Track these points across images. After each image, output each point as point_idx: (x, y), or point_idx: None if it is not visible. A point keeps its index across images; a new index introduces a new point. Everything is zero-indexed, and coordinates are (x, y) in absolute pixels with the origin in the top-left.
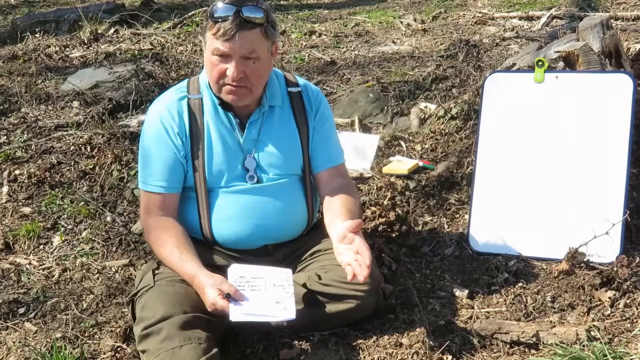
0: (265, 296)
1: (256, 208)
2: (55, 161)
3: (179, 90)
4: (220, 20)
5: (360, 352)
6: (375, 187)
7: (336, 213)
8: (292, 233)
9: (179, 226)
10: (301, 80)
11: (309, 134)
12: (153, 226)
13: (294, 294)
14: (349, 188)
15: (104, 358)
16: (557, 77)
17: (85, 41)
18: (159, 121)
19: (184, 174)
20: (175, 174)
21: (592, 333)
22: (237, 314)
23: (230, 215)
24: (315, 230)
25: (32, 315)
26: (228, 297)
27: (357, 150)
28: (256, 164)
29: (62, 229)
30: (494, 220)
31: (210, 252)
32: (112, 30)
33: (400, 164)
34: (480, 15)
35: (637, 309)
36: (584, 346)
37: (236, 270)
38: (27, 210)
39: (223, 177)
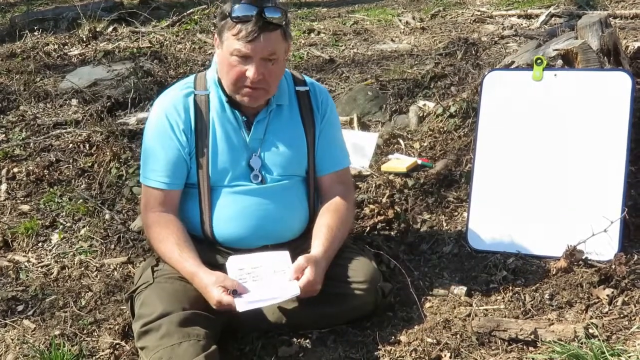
0: (268, 284)
1: (257, 209)
2: (54, 159)
3: (185, 86)
4: (241, 21)
5: (359, 349)
6: (374, 185)
7: (318, 231)
8: (292, 234)
9: (179, 223)
10: (308, 79)
11: (315, 136)
12: (154, 222)
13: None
14: (344, 198)
15: (102, 355)
16: (555, 75)
17: (84, 39)
18: (164, 116)
19: (187, 170)
20: (178, 170)
21: (590, 330)
22: (243, 304)
23: (231, 215)
24: None
25: (30, 312)
26: (234, 293)
27: (356, 148)
28: (261, 163)
29: (61, 226)
30: (492, 218)
31: (210, 250)
32: (110, 29)
33: (398, 162)
34: (478, 13)
35: (635, 306)
36: (582, 343)
37: (234, 262)
38: (25, 208)
39: (227, 175)
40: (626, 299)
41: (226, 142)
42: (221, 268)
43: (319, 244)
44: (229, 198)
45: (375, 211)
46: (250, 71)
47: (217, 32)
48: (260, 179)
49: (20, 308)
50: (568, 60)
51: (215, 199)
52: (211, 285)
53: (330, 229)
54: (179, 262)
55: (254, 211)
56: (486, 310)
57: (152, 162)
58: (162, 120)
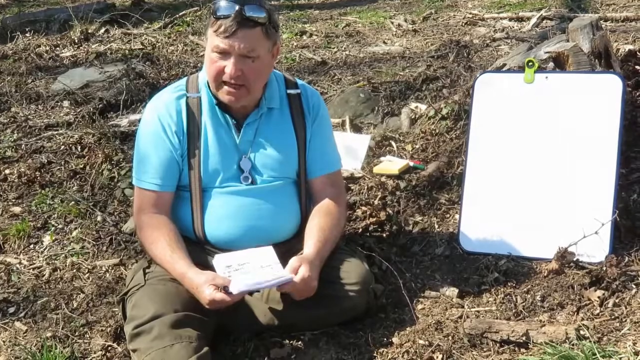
0: (257, 277)
1: (249, 209)
2: (46, 161)
3: (177, 89)
4: (222, 17)
5: (351, 351)
6: (366, 187)
7: (310, 232)
8: (283, 235)
9: (171, 224)
10: (300, 82)
11: (306, 138)
12: (146, 224)
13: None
14: (336, 200)
15: (94, 357)
16: (547, 77)
17: (76, 41)
18: (157, 119)
19: (180, 172)
20: (170, 172)
21: (582, 332)
22: (237, 286)
23: (223, 215)
24: None
25: (22, 314)
26: (225, 289)
27: (348, 150)
28: (251, 165)
29: (53, 228)
30: (484, 220)
31: (202, 251)
32: (102, 30)
33: (391, 164)
34: (470, 16)
35: (625, 308)
36: (573, 345)
37: (221, 260)
38: (17, 209)
39: (218, 177)
40: (617, 300)
41: (217, 144)
42: (213, 269)
43: (311, 244)
44: (220, 199)
45: (368, 213)
46: (229, 67)
47: (203, 32)
48: (250, 180)
49: (11, 310)
50: (559, 62)
51: (207, 201)
52: (202, 285)
53: (322, 230)
54: (170, 264)
55: (245, 212)
56: (478, 311)
57: (145, 164)
58: (155, 123)
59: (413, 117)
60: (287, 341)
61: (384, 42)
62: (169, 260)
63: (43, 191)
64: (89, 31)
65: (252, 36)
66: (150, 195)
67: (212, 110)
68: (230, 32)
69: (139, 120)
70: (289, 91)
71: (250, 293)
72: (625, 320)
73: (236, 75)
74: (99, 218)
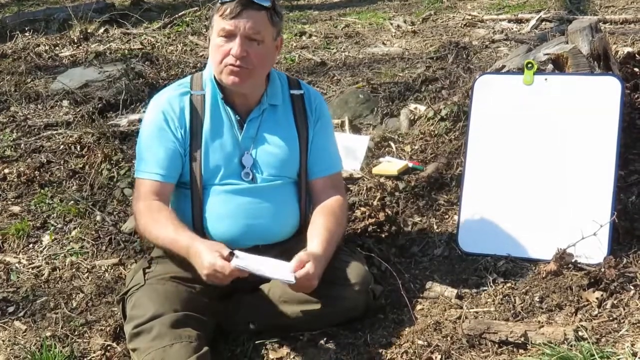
0: (262, 266)
1: (249, 208)
2: (45, 160)
3: (182, 86)
4: (227, 1)
5: (350, 351)
6: (365, 188)
7: (315, 232)
8: (283, 235)
9: (171, 210)
10: (303, 84)
11: (309, 139)
12: (146, 208)
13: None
14: (338, 202)
15: (93, 357)
16: (546, 79)
17: (75, 40)
18: (161, 113)
19: (182, 165)
20: (173, 164)
21: (580, 333)
22: (236, 261)
23: (223, 214)
24: (306, 232)
25: (21, 314)
26: (229, 259)
27: (348, 151)
28: (253, 161)
29: (52, 228)
30: (482, 221)
31: None
32: (102, 30)
33: (390, 165)
34: (469, 17)
35: (624, 309)
36: (571, 346)
37: (239, 261)
38: (16, 209)
39: (219, 173)
40: (615, 301)
41: (219, 139)
42: None
43: (317, 242)
44: (220, 197)
45: (367, 214)
46: (234, 48)
47: (208, 25)
48: (251, 176)
49: (11, 309)
50: (558, 64)
51: (207, 198)
52: (205, 251)
53: (327, 230)
54: (175, 240)
55: (245, 210)
56: (476, 312)
57: (148, 156)
58: (159, 117)
59: (412, 118)
60: (286, 341)
61: (383, 43)
62: (173, 236)
63: (42, 191)
64: (89, 31)
65: (258, 18)
66: (151, 185)
67: (216, 106)
68: (235, 12)
69: (139, 120)
70: (292, 91)
71: (246, 278)
72: (624, 322)
73: (241, 56)
74: (98, 218)
